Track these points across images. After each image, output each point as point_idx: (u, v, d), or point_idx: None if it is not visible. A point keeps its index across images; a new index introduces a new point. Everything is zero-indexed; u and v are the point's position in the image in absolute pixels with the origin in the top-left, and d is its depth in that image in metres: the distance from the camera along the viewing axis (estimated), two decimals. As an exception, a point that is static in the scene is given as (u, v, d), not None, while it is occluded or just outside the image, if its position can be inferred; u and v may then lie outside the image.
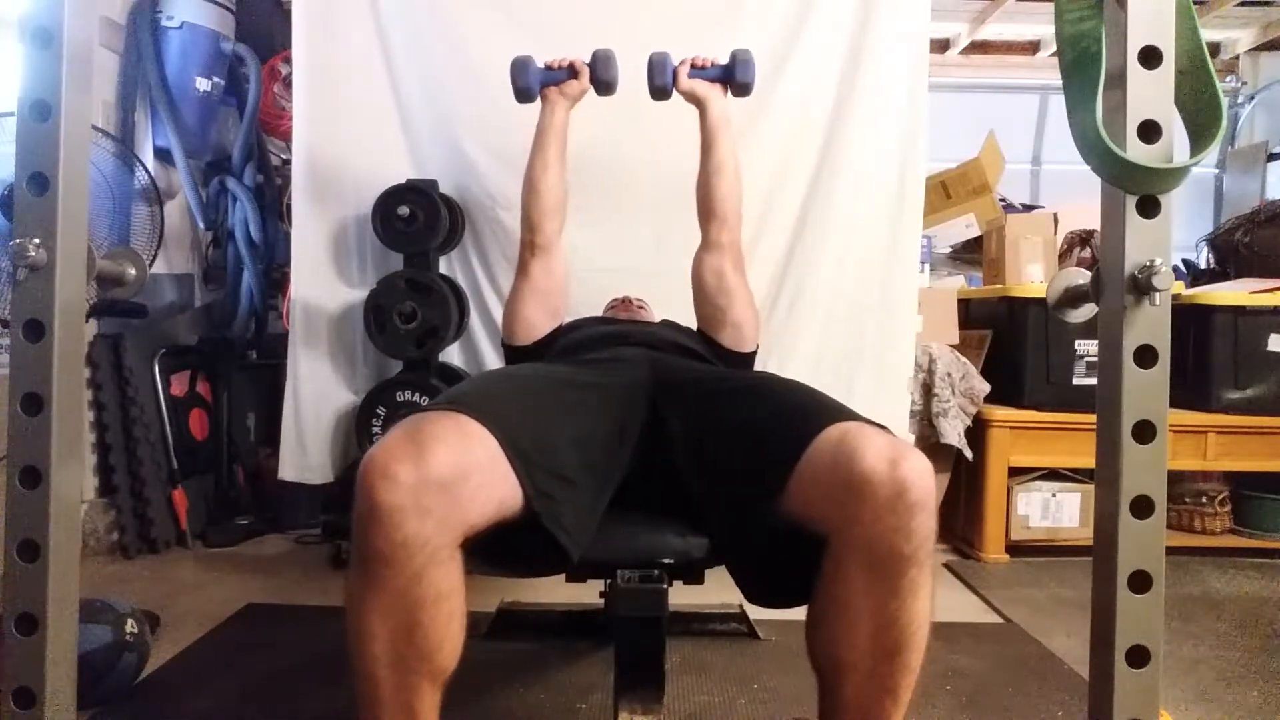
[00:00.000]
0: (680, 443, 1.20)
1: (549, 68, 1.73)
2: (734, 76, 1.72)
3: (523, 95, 1.72)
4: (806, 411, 1.10)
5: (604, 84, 1.75)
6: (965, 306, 3.06)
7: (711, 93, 1.73)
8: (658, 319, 1.92)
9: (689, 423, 1.22)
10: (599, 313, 1.99)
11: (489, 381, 1.27)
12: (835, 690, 0.99)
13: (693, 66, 1.73)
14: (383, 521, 0.87)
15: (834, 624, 0.98)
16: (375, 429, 2.36)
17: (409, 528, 0.87)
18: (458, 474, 0.90)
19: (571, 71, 1.73)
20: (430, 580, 0.89)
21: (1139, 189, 0.82)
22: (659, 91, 1.74)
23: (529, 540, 1.03)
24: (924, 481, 0.94)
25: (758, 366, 1.84)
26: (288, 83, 2.76)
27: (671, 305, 1.98)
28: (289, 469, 2.45)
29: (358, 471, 0.90)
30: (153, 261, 2.39)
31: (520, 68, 1.70)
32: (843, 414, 1.07)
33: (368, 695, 0.92)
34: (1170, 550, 1.00)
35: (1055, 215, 3.19)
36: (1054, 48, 1.54)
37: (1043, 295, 1.08)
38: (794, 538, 1.03)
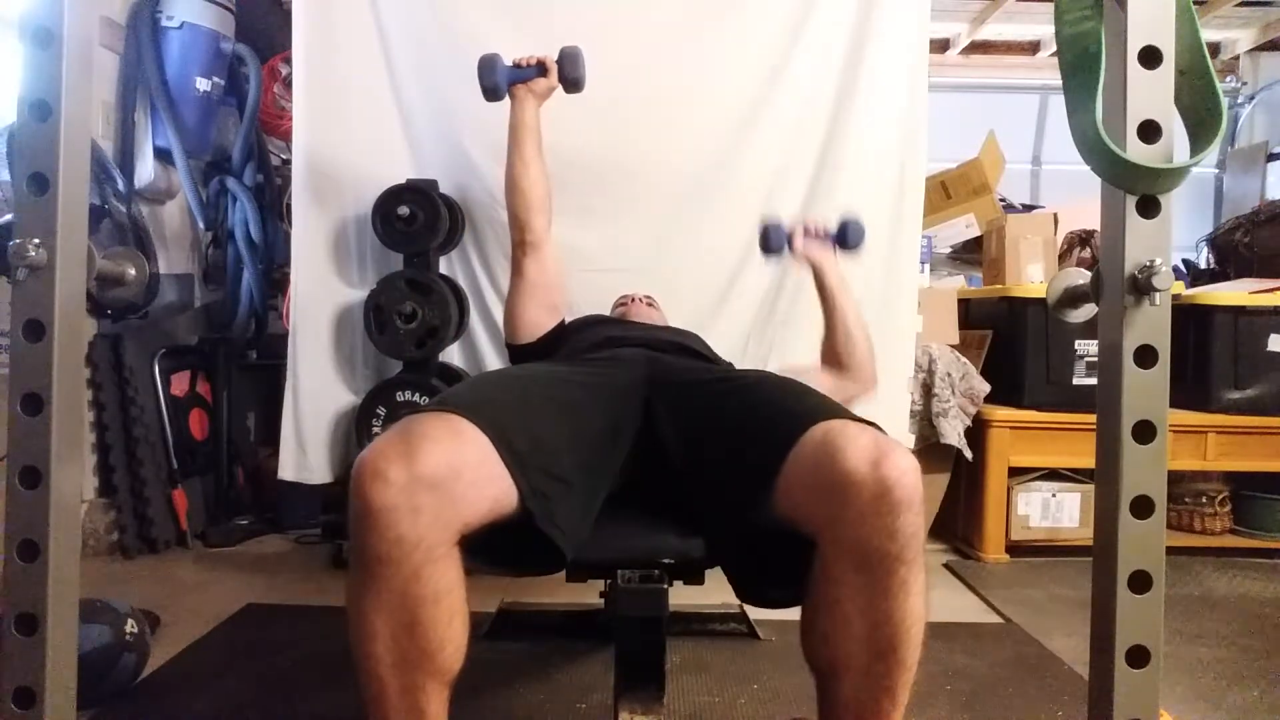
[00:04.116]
0: (673, 442, 1.20)
1: (517, 65, 1.72)
2: (846, 241, 1.77)
3: (490, 94, 1.71)
4: (793, 411, 1.09)
5: (571, 81, 1.73)
6: (965, 306, 3.06)
7: (826, 257, 1.77)
8: (666, 317, 1.91)
9: (681, 422, 1.22)
10: (603, 312, 1.98)
11: (483, 382, 1.27)
12: (832, 690, 0.99)
13: (805, 233, 1.78)
14: (376, 521, 0.87)
15: (827, 624, 0.97)
16: (375, 429, 2.35)
17: (402, 526, 0.87)
18: (448, 472, 0.91)
19: (540, 69, 1.72)
20: (428, 578, 0.89)
21: (1139, 189, 0.82)
22: (772, 253, 1.80)
23: (524, 539, 1.03)
24: (908, 479, 0.92)
25: (757, 366, 1.84)
26: (288, 83, 2.76)
27: (671, 306, 1.98)
28: (289, 469, 2.45)
29: (351, 473, 0.90)
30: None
31: (488, 66, 1.69)
32: (829, 412, 1.05)
33: (374, 697, 0.92)
34: (1170, 550, 1.00)
35: (1055, 215, 3.19)
36: (1054, 48, 1.54)
37: (1043, 295, 1.08)
38: (786, 538, 1.03)
